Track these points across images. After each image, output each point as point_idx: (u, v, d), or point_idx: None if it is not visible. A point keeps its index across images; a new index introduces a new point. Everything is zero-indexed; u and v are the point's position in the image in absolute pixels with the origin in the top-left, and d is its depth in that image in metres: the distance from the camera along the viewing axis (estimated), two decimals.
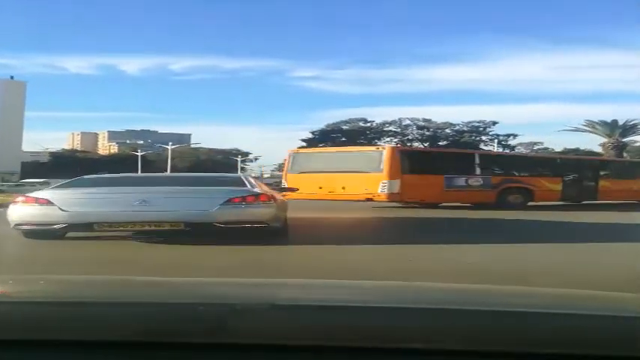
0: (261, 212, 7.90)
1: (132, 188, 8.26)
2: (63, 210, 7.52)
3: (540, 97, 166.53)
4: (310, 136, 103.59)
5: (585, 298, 1.55)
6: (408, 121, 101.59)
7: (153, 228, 7.71)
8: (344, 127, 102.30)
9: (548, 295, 1.66)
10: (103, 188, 8.47)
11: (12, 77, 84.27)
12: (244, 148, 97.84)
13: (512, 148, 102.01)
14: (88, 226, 7.65)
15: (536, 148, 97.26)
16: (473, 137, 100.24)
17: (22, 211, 7.79)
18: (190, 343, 1.02)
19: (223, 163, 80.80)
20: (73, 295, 1.34)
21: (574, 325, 1.07)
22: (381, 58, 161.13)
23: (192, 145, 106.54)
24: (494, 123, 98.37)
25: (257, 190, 8.33)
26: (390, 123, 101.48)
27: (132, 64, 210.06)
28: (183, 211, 7.61)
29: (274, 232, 8.02)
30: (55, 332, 1.04)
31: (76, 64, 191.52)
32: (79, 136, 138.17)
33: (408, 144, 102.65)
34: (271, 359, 1.01)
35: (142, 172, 45.47)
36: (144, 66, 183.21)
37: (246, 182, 8.76)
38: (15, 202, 8.02)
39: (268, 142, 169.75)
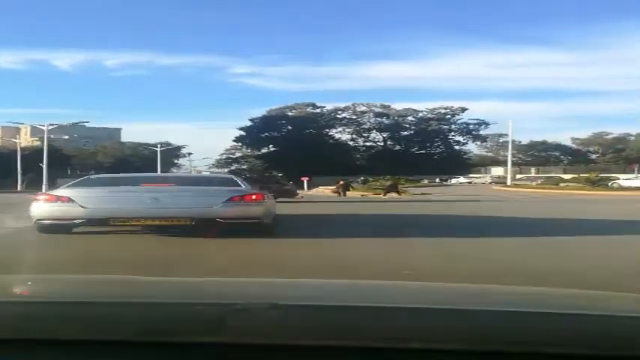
0: (256, 209, 9.31)
1: (144, 187, 9.53)
2: (82, 207, 8.83)
3: (481, 94, 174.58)
4: (249, 124, 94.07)
5: (585, 298, 1.65)
6: (363, 107, 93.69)
7: (164, 223, 9.01)
8: (290, 114, 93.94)
9: (548, 295, 1.75)
10: (117, 187, 9.82)
11: None
12: (176, 144, 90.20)
13: (484, 139, 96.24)
14: (104, 221, 8.92)
15: (501, 140, 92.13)
16: (440, 125, 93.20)
17: (45, 207, 9.06)
18: (190, 342, 1.07)
19: (151, 158, 74.08)
20: (73, 295, 1.41)
21: (574, 325, 1.12)
22: (318, 55, 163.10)
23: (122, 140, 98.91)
24: (464, 110, 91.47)
25: (252, 190, 9.99)
26: (344, 109, 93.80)
27: (64, 60, 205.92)
28: (191, 208, 8.96)
29: (266, 227, 9.40)
30: (55, 332, 1.09)
31: (5, 59, 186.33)
32: None
33: (365, 134, 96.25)
34: (271, 359, 1.07)
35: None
36: (76, 61, 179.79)
37: (240, 183, 10.48)
38: (37, 199, 9.26)
39: (205, 139, 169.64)
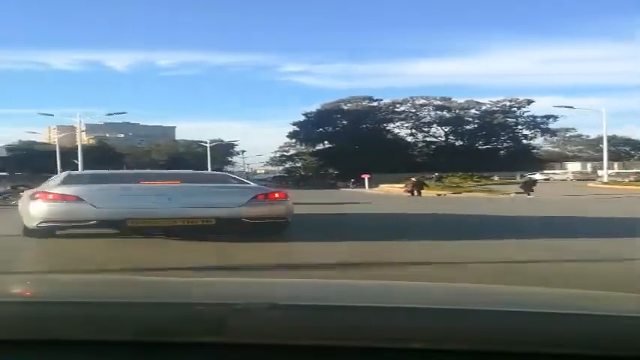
0: (281, 208, 8.86)
1: (161, 184, 8.99)
2: (95, 206, 8.01)
3: (534, 90, 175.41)
4: (303, 119, 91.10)
5: (585, 298, 1.65)
6: (422, 101, 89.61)
7: (185, 224, 8.28)
8: (345, 108, 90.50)
9: (548, 295, 1.76)
10: (131, 184, 9.05)
11: None
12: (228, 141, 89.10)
13: (554, 133, 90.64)
14: (119, 223, 8.15)
15: (568, 135, 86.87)
16: (506, 119, 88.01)
17: (48, 208, 8.12)
18: (190, 343, 1.09)
19: (205, 156, 73.23)
20: (73, 295, 1.44)
21: (574, 325, 1.13)
22: (367, 52, 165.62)
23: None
24: (530, 102, 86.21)
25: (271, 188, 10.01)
26: (402, 103, 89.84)
27: (119, 60, 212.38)
28: (214, 207, 8.38)
29: (284, 227, 8.98)
30: (55, 332, 1.11)
31: (61, 61, 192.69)
32: (56, 129, 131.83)
33: (425, 129, 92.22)
34: (271, 359, 1.08)
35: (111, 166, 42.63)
36: (131, 62, 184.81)
37: (244, 180, 10.61)
38: (36, 198, 8.28)
39: (258, 138, 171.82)
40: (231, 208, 8.41)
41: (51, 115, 47.88)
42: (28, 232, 8.39)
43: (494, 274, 6.11)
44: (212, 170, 67.27)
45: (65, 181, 9.14)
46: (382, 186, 48.92)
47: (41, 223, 8.12)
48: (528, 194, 29.61)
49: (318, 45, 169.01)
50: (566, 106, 51.63)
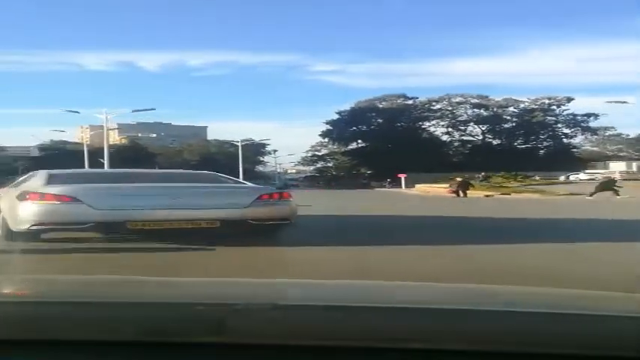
0: (286, 209, 8.59)
1: (160, 184, 8.72)
2: (92, 208, 7.56)
3: (570, 89, 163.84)
4: (336, 118, 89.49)
5: (585, 298, 1.65)
6: (459, 98, 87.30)
7: (188, 226, 7.91)
8: (380, 106, 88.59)
9: (548, 295, 1.77)
10: (129, 185, 8.65)
11: None
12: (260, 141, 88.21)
13: (594, 131, 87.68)
14: (119, 225, 7.77)
15: (607, 133, 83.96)
16: (546, 117, 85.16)
17: (41, 209, 7.60)
18: (190, 343, 1.10)
19: (237, 156, 72.62)
20: (73, 295, 1.44)
21: (574, 325, 1.14)
22: (400, 52, 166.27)
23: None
24: (570, 99, 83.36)
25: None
26: (438, 101, 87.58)
27: (150, 61, 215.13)
28: (219, 208, 8.02)
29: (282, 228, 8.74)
30: (55, 332, 1.12)
31: (95, 61, 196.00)
32: (88, 129, 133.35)
33: (462, 127, 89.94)
34: (271, 359, 1.09)
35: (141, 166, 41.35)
36: (162, 62, 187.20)
37: (236, 179, 10.31)
38: (26, 198, 7.72)
39: (289, 138, 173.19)
40: (237, 209, 8.09)
41: (77, 112, 47.17)
42: (12, 236, 7.87)
43: None
44: (243, 170, 66.72)
45: (51, 181, 8.51)
46: (418, 186, 47.46)
47: (33, 226, 7.61)
48: (617, 194, 27.06)
49: (349, 44, 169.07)
50: (619, 102, 49.10)
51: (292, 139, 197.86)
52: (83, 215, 7.52)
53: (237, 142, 77.72)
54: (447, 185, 35.61)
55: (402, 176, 54.09)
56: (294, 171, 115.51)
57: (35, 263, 7.10)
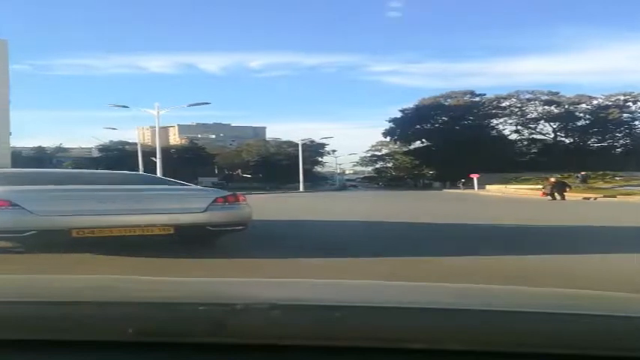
0: (242, 213, 8.20)
1: (109, 187, 7.99)
2: (32, 213, 6.82)
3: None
4: (400, 116, 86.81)
5: (586, 297, 1.65)
6: (529, 95, 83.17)
7: (140, 233, 7.29)
8: (446, 103, 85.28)
9: (548, 295, 1.77)
10: (75, 187, 7.87)
11: None
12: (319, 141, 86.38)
13: None
14: (62, 233, 6.95)
15: None
16: (622, 114, 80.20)
17: None
18: (190, 343, 1.10)
19: (296, 156, 71.18)
20: (72, 295, 1.44)
21: (574, 325, 1.14)
22: (458, 51, 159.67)
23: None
24: None
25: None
26: (506, 97, 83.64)
27: (212, 63, 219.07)
28: (174, 213, 7.48)
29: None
30: (55, 332, 1.13)
31: (158, 64, 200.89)
32: (149, 130, 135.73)
33: (531, 125, 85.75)
34: (271, 359, 1.10)
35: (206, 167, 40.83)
36: (223, 64, 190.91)
37: (177, 181, 9.49)
38: None
39: (348, 138, 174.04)
40: (193, 214, 7.61)
41: (126, 107, 45.89)
42: None
43: None
44: (303, 170, 65.02)
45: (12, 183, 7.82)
46: (490, 187, 44.48)
47: None
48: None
49: (409, 44, 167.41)
50: None
51: (349, 140, 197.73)
52: (21, 222, 6.78)
53: (297, 142, 76.21)
54: (540, 187, 32.49)
55: (475, 176, 51.54)
56: (351, 171, 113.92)
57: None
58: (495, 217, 16.62)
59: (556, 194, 29.81)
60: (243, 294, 1.49)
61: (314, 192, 59.83)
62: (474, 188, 49.43)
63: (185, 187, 8.92)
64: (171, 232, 7.40)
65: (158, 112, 43.67)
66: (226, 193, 8.41)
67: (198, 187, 9.04)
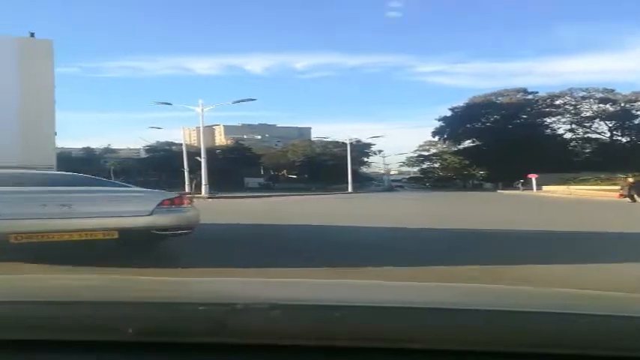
0: (190, 216, 7.83)
1: (49, 188, 7.49)
2: None
3: None
4: (450, 114, 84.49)
5: (586, 297, 1.67)
6: (582, 93, 79.95)
7: (83, 238, 6.87)
8: (497, 101, 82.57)
9: (548, 295, 1.79)
10: (13, 188, 7.31)
11: (32, 34, 71.59)
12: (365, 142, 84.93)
13: None
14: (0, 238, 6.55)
15: None
16: None
17: None
18: (190, 343, 1.11)
19: (341, 156, 69.84)
20: (72, 295, 1.46)
21: (574, 325, 1.15)
22: (505, 51, 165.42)
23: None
24: None
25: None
26: (559, 95, 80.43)
27: (257, 64, 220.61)
28: (118, 216, 7.09)
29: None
30: (55, 332, 1.14)
31: (203, 65, 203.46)
32: (194, 131, 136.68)
33: (586, 124, 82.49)
34: (271, 359, 1.11)
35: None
36: (268, 65, 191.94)
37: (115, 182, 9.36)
38: None
39: (391, 139, 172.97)
40: (138, 217, 7.23)
41: (169, 104, 45.48)
42: None
43: None
44: (351, 170, 63.73)
45: None
46: (549, 187, 42.26)
47: None
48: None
49: (456, 44, 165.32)
50: None
51: (394, 140, 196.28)
52: None
53: (343, 142, 74.85)
54: (619, 188, 30.24)
55: (533, 177, 49.64)
56: (395, 172, 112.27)
57: None
58: (597, 224, 15.14)
59: (635, 196, 27.74)
60: (243, 294, 1.51)
61: (362, 193, 58.91)
62: (532, 189, 47.41)
63: (129, 189, 8.67)
64: (116, 236, 7.03)
65: (202, 109, 43.15)
66: (173, 195, 8.06)
67: (144, 189, 8.49)
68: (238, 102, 45.04)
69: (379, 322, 1.16)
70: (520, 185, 56.84)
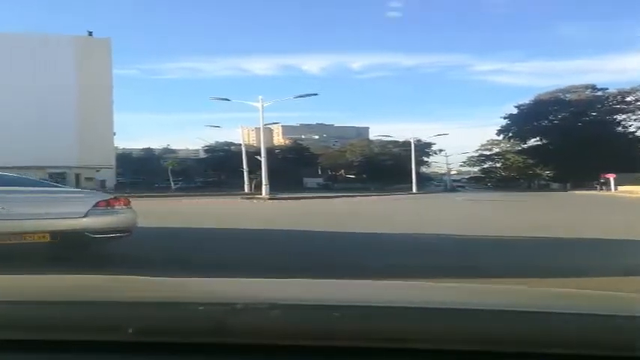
0: (128, 218, 7.44)
1: None
2: None
3: None
4: (515, 112, 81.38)
5: (585, 297, 1.66)
6: None
7: (13, 241, 6.52)
8: (565, 98, 78.97)
9: (547, 295, 1.78)
10: None
11: (90, 33, 65.24)
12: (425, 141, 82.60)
13: None
14: None
15: None
16: None
17: None
18: (190, 343, 1.11)
19: (400, 156, 67.86)
20: (72, 295, 1.47)
21: (574, 325, 1.14)
22: (566, 48, 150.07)
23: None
24: None
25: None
26: (630, 92, 76.43)
27: (314, 64, 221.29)
28: (51, 218, 6.74)
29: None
30: (55, 332, 1.15)
31: (261, 66, 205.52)
32: (253, 131, 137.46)
33: None
34: (271, 359, 1.11)
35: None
36: (324, 65, 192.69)
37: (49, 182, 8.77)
38: None
39: (449, 138, 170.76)
40: (71, 220, 6.79)
41: (227, 99, 44.72)
42: None
43: None
44: (409, 171, 61.89)
45: None
46: (623, 187, 39.39)
47: None
48: None
49: (514, 43, 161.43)
50: None
51: (453, 140, 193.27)
52: None
53: (403, 141, 72.86)
54: None
55: (611, 177, 46.74)
56: (454, 172, 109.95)
57: None
58: None
59: None
60: (243, 294, 1.51)
61: (427, 193, 57.44)
62: (610, 189, 44.68)
63: (63, 189, 8.41)
64: (48, 239, 6.69)
65: (262, 105, 42.04)
66: (109, 196, 7.80)
67: (78, 189, 8.42)
68: (299, 97, 44.45)
69: (379, 322, 1.14)
70: (599, 185, 53.97)
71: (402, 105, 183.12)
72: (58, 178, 47.08)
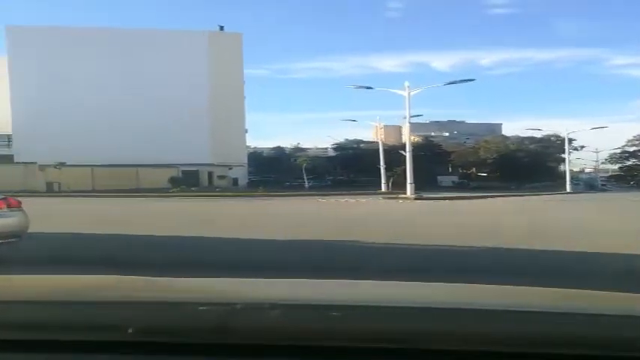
0: (17, 222, 6.68)
1: None
2: None
3: None
4: None
5: (585, 297, 1.64)
6: None
7: None
8: None
9: (548, 295, 1.74)
10: None
11: (222, 28, 65.16)
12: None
13: None
14: None
15: None
16: None
17: None
18: (190, 343, 1.12)
19: (538, 153, 63.25)
20: (72, 295, 1.48)
21: (574, 325, 1.15)
22: None
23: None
24: None
25: None
26: None
27: (442, 61, 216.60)
28: None
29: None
30: (55, 332, 1.15)
31: (390, 63, 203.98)
32: (382, 129, 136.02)
33: None
34: (271, 359, 1.11)
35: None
36: (453, 62, 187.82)
37: None
38: None
39: (585, 134, 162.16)
40: None
41: (370, 87, 43.28)
42: None
43: None
44: (544, 169, 57.53)
45: None
46: None
47: None
48: None
49: None
50: None
51: (590, 136, 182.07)
52: None
53: (542, 140, 67.94)
54: None
55: None
56: (591, 170, 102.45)
57: None
58: None
59: None
60: (243, 294, 1.52)
61: (578, 193, 52.47)
62: None
63: None
64: None
65: (409, 93, 38.36)
66: None
67: None
68: (452, 83, 39.76)
69: (379, 322, 1.14)
70: None
71: (533, 101, 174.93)
72: (190, 176, 47.64)
